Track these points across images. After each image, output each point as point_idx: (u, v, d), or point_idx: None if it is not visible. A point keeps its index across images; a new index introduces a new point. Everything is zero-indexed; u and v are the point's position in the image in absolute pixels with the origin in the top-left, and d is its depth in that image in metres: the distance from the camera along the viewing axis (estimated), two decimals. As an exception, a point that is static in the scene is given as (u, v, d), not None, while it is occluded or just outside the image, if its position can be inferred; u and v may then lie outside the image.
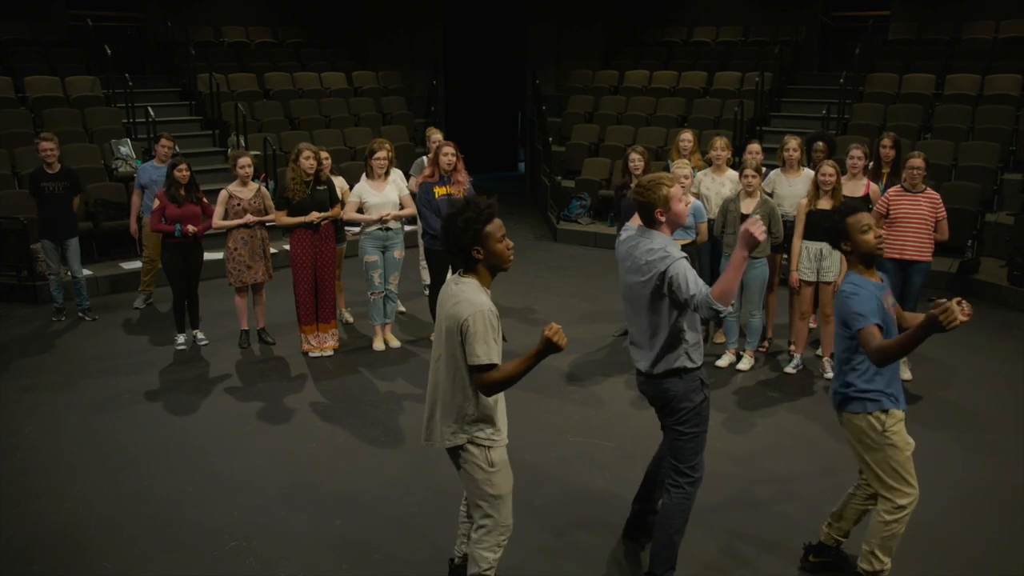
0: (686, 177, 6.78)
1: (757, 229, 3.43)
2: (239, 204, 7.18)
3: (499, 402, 3.46)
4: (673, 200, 3.74)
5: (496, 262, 3.35)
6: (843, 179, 6.58)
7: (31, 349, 7.51)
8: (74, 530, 4.57)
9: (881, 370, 3.72)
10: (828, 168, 6.38)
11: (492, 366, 3.24)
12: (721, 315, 3.64)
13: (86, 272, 8.86)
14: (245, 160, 7.25)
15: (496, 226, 3.31)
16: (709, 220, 6.90)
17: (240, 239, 7.21)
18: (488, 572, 3.53)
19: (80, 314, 8.29)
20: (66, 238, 8.08)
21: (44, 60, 12.81)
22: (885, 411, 3.73)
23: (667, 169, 7.21)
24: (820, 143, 7.40)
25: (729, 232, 6.69)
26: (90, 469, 5.27)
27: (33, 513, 4.75)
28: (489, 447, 3.41)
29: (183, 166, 7.16)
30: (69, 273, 8.22)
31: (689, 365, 3.78)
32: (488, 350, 3.22)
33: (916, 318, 3.78)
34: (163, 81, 13.97)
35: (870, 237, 3.71)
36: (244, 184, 7.26)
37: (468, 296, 3.27)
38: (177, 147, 11.18)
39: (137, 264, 9.19)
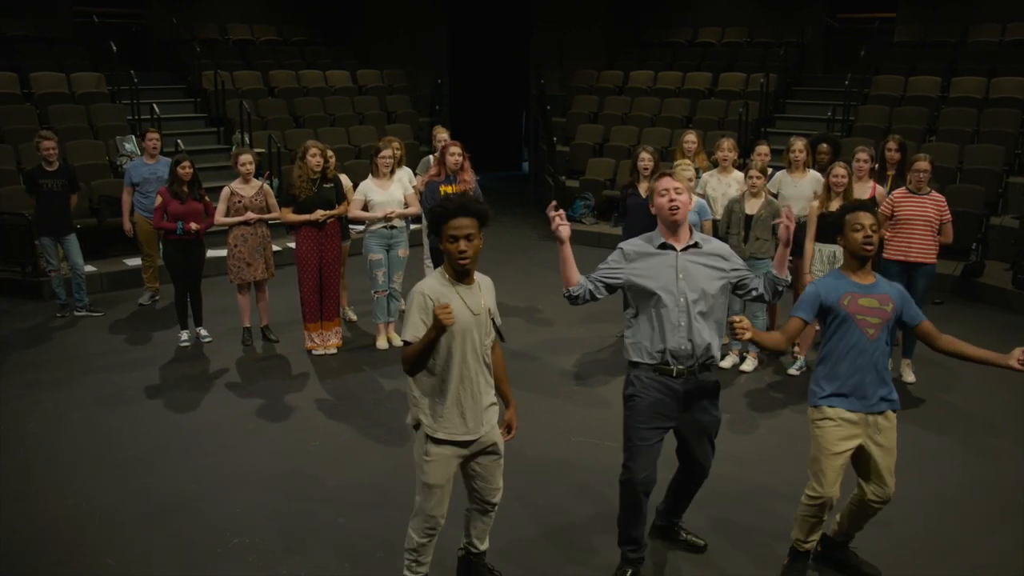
0: (689, 179, 6.78)
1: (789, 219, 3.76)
2: (240, 201, 7.18)
3: (449, 394, 3.48)
4: (654, 193, 3.87)
5: (447, 259, 3.44)
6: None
7: (34, 345, 7.51)
8: (77, 526, 4.57)
9: (836, 371, 3.79)
10: (839, 170, 6.38)
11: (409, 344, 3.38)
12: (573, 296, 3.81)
13: (89, 268, 8.87)
14: (246, 158, 7.26)
15: (452, 225, 3.34)
16: (714, 220, 6.89)
17: (240, 236, 7.21)
18: (409, 552, 3.70)
19: (76, 312, 8.28)
20: (64, 235, 8.09)
21: (49, 56, 12.81)
22: (817, 407, 3.84)
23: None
24: (824, 145, 7.39)
25: (733, 233, 6.68)
26: (92, 465, 5.27)
27: (36, 509, 4.75)
28: (427, 436, 3.51)
29: (186, 163, 7.16)
30: (71, 269, 8.22)
31: (629, 358, 3.87)
32: (407, 329, 3.38)
33: (982, 353, 3.82)
34: (168, 78, 13.97)
35: (857, 236, 3.76)
36: (246, 181, 7.26)
37: (422, 281, 3.48)
38: (181, 143, 11.25)
39: (139, 261, 9.19)
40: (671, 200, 3.78)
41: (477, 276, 3.55)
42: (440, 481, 3.55)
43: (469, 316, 3.44)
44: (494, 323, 3.59)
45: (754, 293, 3.87)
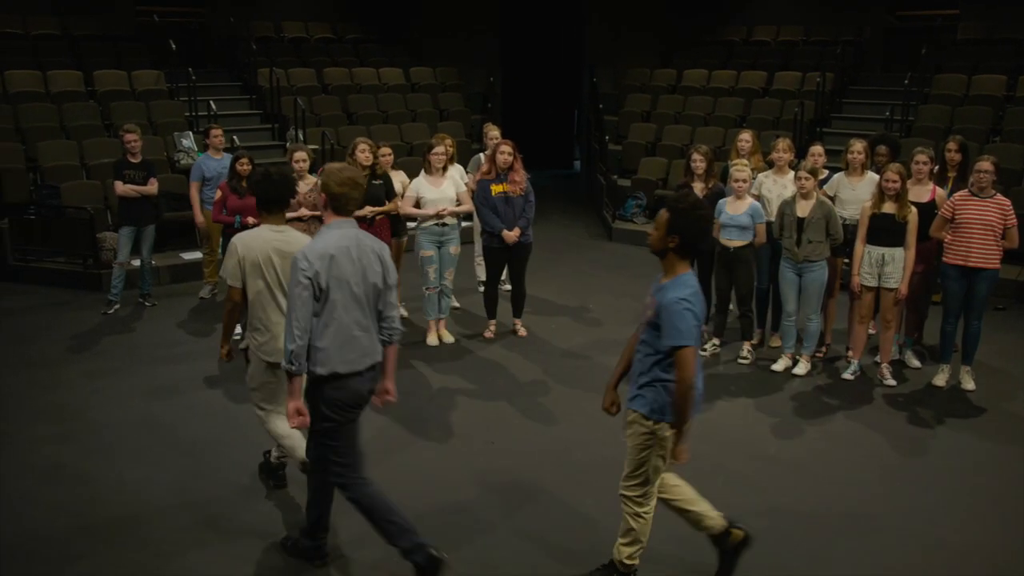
0: (744, 180, 6.69)
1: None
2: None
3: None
4: None
5: None
6: (908, 183, 6.42)
7: (95, 335, 7.70)
8: (134, 513, 4.68)
9: None
10: (892, 174, 6.24)
11: None
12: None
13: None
14: (301, 154, 7.33)
15: None
16: (768, 222, 6.79)
17: (293, 232, 7.28)
18: None
19: (140, 299, 8.49)
20: (147, 224, 8.26)
21: (112, 55, 13.14)
22: None
23: (726, 171, 7.13)
24: (882, 147, 7.23)
25: (786, 235, 6.58)
26: (148, 454, 5.39)
27: (95, 495, 4.88)
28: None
29: (245, 160, 7.30)
30: (139, 260, 8.38)
31: None
32: None
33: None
34: (225, 75, 14.23)
35: None
36: (301, 178, 7.33)
37: None
38: (237, 140, 11.43)
39: (197, 255, 9.36)
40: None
41: None
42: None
43: None
44: None
45: None
